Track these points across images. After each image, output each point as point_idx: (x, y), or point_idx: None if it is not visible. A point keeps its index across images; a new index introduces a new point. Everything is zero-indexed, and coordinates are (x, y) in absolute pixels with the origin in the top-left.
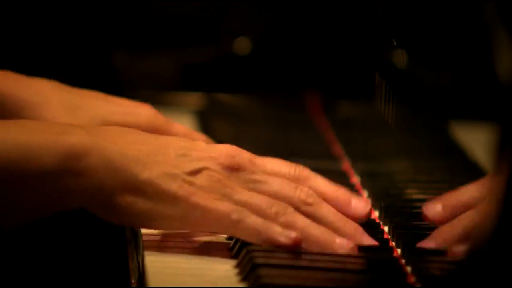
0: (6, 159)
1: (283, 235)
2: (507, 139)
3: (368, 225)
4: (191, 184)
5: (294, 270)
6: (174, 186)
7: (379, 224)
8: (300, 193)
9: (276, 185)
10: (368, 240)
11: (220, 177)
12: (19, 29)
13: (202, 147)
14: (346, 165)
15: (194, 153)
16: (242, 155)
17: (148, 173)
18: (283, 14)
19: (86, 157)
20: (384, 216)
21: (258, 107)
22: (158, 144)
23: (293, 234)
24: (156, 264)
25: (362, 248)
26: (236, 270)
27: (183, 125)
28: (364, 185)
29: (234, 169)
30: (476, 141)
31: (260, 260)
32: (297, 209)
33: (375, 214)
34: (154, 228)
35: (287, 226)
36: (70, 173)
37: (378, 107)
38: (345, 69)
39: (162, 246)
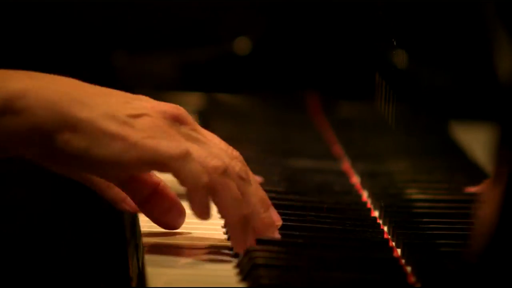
0: None
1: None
2: (507, 140)
3: (368, 225)
4: (130, 125)
5: (294, 270)
6: (112, 126)
7: (379, 224)
8: (235, 165)
9: (214, 148)
10: (276, 236)
11: (161, 124)
12: (19, 29)
13: (146, 99)
14: (346, 165)
15: (137, 102)
16: (185, 112)
17: (87, 112)
18: (283, 14)
19: (25, 97)
20: (384, 216)
21: (258, 107)
22: (100, 90)
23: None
24: (156, 264)
25: (362, 248)
26: (236, 270)
27: None
28: (364, 185)
29: (175, 120)
30: (476, 141)
31: (260, 260)
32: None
33: (375, 214)
34: (92, 169)
35: (221, 186)
36: (9, 114)
37: (378, 107)
38: (345, 69)
39: (162, 246)
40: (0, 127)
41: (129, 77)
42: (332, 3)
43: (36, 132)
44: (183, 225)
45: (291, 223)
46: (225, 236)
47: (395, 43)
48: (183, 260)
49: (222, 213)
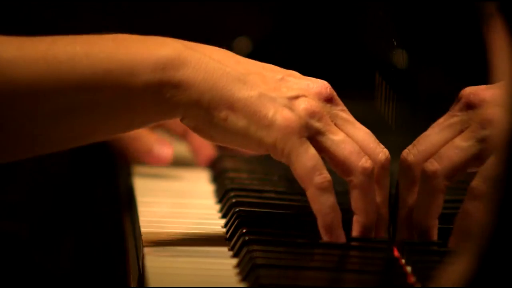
0: (108, 73)
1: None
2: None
3: None
4: (290, 110)
5: (294, 270)
6: (272, 110)
7: None
8: (382, 154)
9: (364, 132)
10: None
11: (317, 107)
12: (19, 29)
13: (298, 75)
14: None
15: (292, 78)
16: (334, 92)
17: (246, 92)
18: (284, 14)
19: (183, 68)
20: None
21: None
22: (254, 64)
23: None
24: (155, 264)
25: (362, 248)
26: (236, 270)
27: None
28: None
29: (328, 100)
30: None
31: (260, 260)
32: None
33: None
34: (245, 147)
35: (362, 188)
36: (168, 85)
37: (378, 107)
38: (345, 69)
39: (162, 245)
40: (158, 99)
41: None
42: (332, 3)
43: (196, 105)
44: (183, 225)
45: (291, 223)
46: (226, 236)
47: (395, 43)
48: (183, 260)
49: (355, 210)
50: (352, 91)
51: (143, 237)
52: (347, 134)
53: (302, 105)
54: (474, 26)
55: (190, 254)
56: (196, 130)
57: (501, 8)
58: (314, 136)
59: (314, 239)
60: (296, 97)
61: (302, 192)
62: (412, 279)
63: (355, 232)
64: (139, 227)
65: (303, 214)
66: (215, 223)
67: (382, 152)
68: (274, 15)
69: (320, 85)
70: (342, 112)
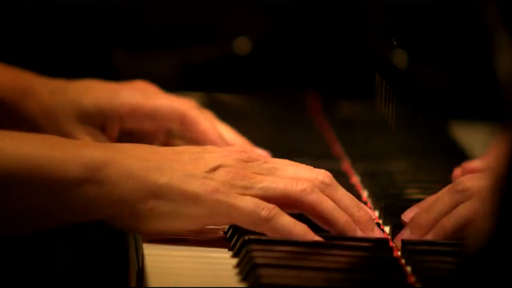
0: (28, 171)
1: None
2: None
3: None
4: (211, 180)
5: (294, 270)
6: (195, 185)
7: (379, 224)
8: (317, 175)
9: (292, 169)
10: (378, 232)
11: (237, 170)
12: (19, 29)
13: (214, 149)
14: (346, 165)
15: (208, 155)
16: (253, 150)
17: (167, 177)
18: (283, 14)
19: (107, 168)
20: (384, 216)
21: (258, 107)
22: (171, 152)
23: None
24: (156, 264)
25: (362, 248)
26: (236, 270)
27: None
28: (364, 185)
29: (246, 160)
30: (476, 141)
31: (260, 260)
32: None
33: (375, 214)
34: (180, 229)
35: (315, 203)
36: (92, 184)
37: (378, 107)
38: (345, 69)
39: (162, 245)
40: (82, 196)
41: (129, 77)
42: (332, 3)
43: (120, 203)
44: None
45: None
46: (226, 236)
47: (395, 43)
48: (183, 260)
49: (328, 226)
50: (352, 91)
51: (143, 236)
52: (277, 177)
53: (222, 172)
54: (474, 26)
55: (190, 254)
56: (126, 228)
57: (501, 8)
58: (244, 193)
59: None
60: (215, 169)
61: None
62: (412, 279)
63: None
64: None
65: (303, 214)
66: None
67: (317, 174)
68: (274, 15)
69: (234, 151)
70: (264, 164)
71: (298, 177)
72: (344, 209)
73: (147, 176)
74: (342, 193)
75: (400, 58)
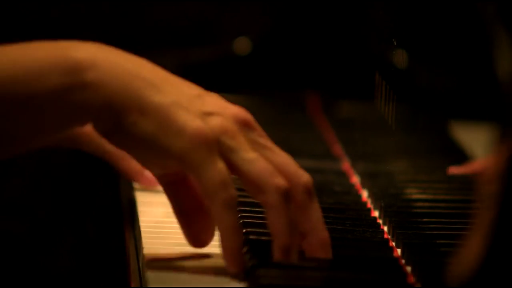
0: (10, 80)
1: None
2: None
3: (368, 225)
4: (203, 121)
5: (294, 270)
6: (183, 118)
7: (379, 224)
8: (303, 177)
9: (282, 157)
10: (329, 256)
11: (231, 127)
12: (19, 29)
13: (217, 96)
14: (346, 165)
15: (209, 98)
16: (253, 118)
17: (159, 98)
18: (283, 14)
19: (94, 69)
20: (384, 216)
21: (258, 107)
22: (172, 78)
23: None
24: (156, 264)
25: (362, 248)
26: None
27: None
28: (364, 185)
29: (244, 124)
30: (476, 141)
31: (260, 260)
32: (294, 192)
33: (375, 214)
34: (151, 161)
35: (276, 209)
36: (76, 87)
37: (378, 107)
38: (345, 69)
39: (161, 245)
40: (68, 102)
41: None
42: (332, 3)
43: (105, 108)
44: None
45: None
46: None
47: (395, 43)
48: (182, 260)
49: (272, 233)
50: (352, 91)
51: (143, 236)
52: (265, 158)
53: (215, 121)
54: (474, 26)
55: (190, 254)
56: (107, 135)
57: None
58: (225, 154)
59: None
60: (210, 114)
61: None
62: (412, 279)
63: (275, 255)
64: (139, 227)
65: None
66: None
67: (303, 175)
68: (274, 15)
69: (238, 109)
70: (260, 138)
71: (281, 168)
72: (311, 221)
73: (140, 88)
74: (316, 209)
75: (400, 58)
